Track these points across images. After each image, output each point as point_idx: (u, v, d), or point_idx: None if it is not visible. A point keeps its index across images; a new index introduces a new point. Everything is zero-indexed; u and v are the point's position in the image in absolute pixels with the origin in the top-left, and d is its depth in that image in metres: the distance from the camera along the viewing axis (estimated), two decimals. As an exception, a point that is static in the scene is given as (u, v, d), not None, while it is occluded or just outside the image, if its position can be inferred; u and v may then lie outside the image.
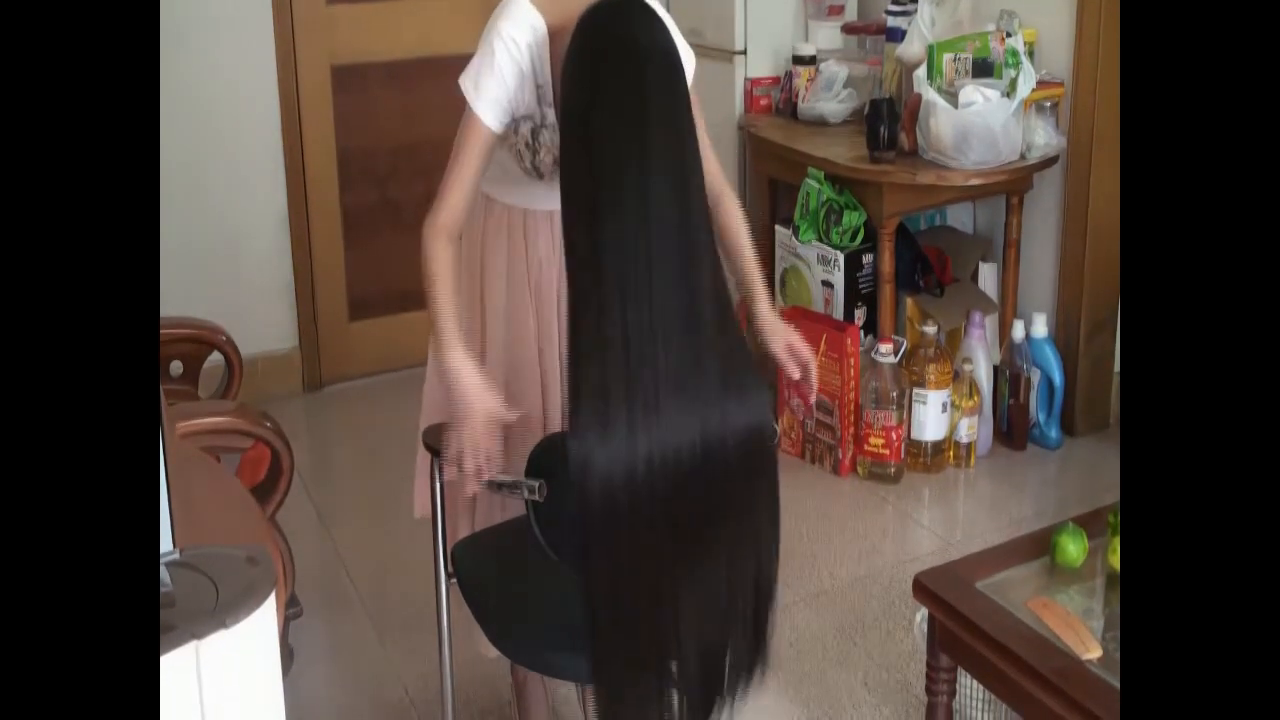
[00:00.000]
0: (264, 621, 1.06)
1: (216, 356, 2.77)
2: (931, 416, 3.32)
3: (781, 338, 2.06)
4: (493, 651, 2.03)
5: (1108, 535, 2.12)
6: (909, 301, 3.54)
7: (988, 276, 3.65)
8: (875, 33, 3.82)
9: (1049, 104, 3.34)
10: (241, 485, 1.95)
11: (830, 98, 3.74)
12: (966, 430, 3.37)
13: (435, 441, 1.94)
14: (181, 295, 3.33)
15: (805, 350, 2.04)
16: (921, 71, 3.25)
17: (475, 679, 2.52)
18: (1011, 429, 3.48)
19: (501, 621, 1.92)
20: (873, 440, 3.31)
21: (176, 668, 0.99)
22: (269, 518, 2.24)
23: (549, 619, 1.87)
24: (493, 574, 2.00)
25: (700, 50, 2.12)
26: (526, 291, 2.13)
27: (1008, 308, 3.57)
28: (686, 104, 1.68)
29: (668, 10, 2.19)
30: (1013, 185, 3.43)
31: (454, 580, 2.01)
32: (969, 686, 2.26)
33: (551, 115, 1.96)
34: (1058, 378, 3.43)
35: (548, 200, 1.99)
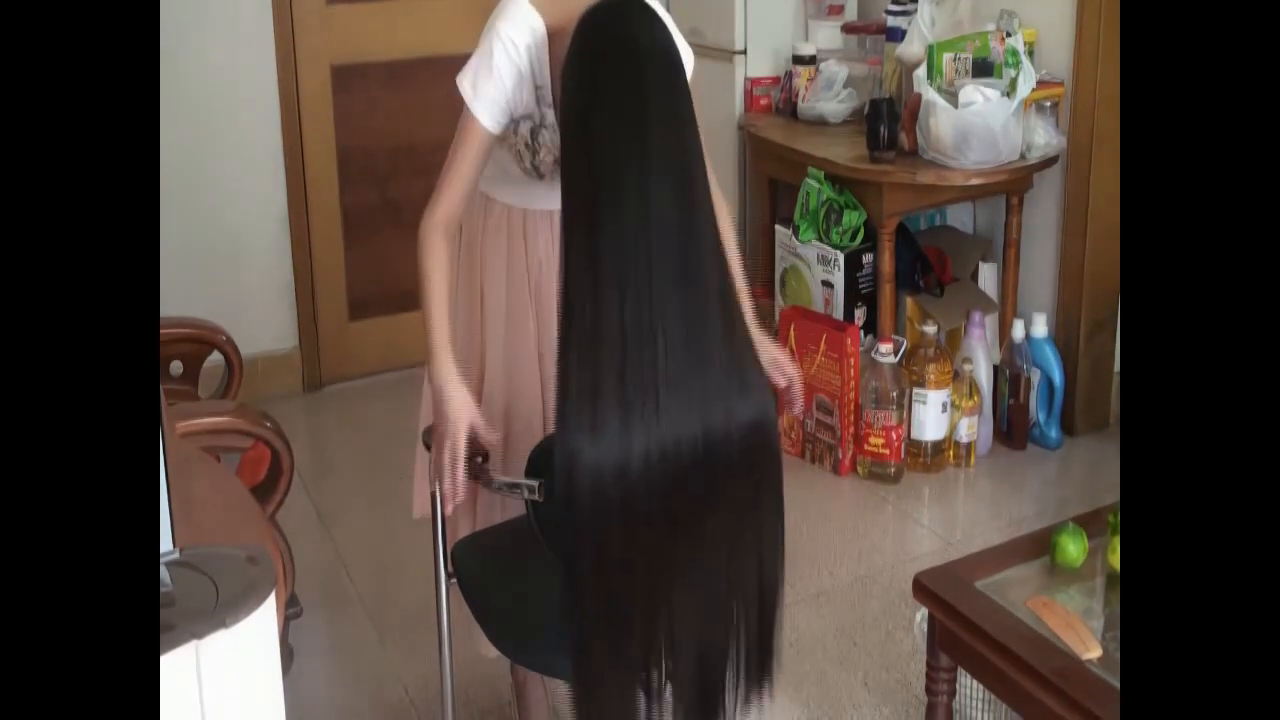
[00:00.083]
0: (264, 621, 1.06)
1: (216, 356, 2.77)
2: (931, 416, 3.32)
3: (766, 352, 2.04)
4: (493, 651, 2.03)
5: (1108, 535, 2.12)
6: (909, 301, 3.54)
7: (988, 276, 3.65)
8: (875, 32, 3.82)
9: (1049, 104, 3.34)
10: (241, 485, 1.95)
11: (830, 97, 3.74)
12: (966, 430, 3.37)
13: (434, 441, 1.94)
14: (181, 295, 3.33)
15: (790, 366, 2.03)
16: (921, 71, 3.25)
17: (475, 679, 2.52)
18: (1011, 429, 3.48)
19: (501, 621, 1.92)
20: (873, 440, 3.31)
21: (176, 668, 0.99)
22: (269, 518, 2.24)
23: (549, 619, 1.87)
24: (493, 574, 2.00)
25: (700, 50, 2.12)
26: (526, 292, 2.13)
27: (1008, 307, 3.57)
28: (687, 103, 1.68)
29: (668, 10, 2.19)
30: (1013, 185, 3.43)
31: (454, 580, 2.01)
32: (969, 686, 2.26)
33: (551, 115, 1.96)
34: (1058, 378, 3.43)
35: (547, 200, 2.00)
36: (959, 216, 3.80)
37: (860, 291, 3.51)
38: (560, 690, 2.40)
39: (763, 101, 3.95)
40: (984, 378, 3.43)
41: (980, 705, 2.30)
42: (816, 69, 3.81)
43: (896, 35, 3.55)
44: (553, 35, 1.89)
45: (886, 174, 3.31)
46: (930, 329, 3.33)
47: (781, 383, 2.02)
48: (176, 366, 2.76)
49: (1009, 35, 3.24)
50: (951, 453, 3.40)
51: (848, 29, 3.96)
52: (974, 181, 3.26)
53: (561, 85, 1.72)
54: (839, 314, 3.49)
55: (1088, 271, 3.43)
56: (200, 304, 3.22)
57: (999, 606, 2.00)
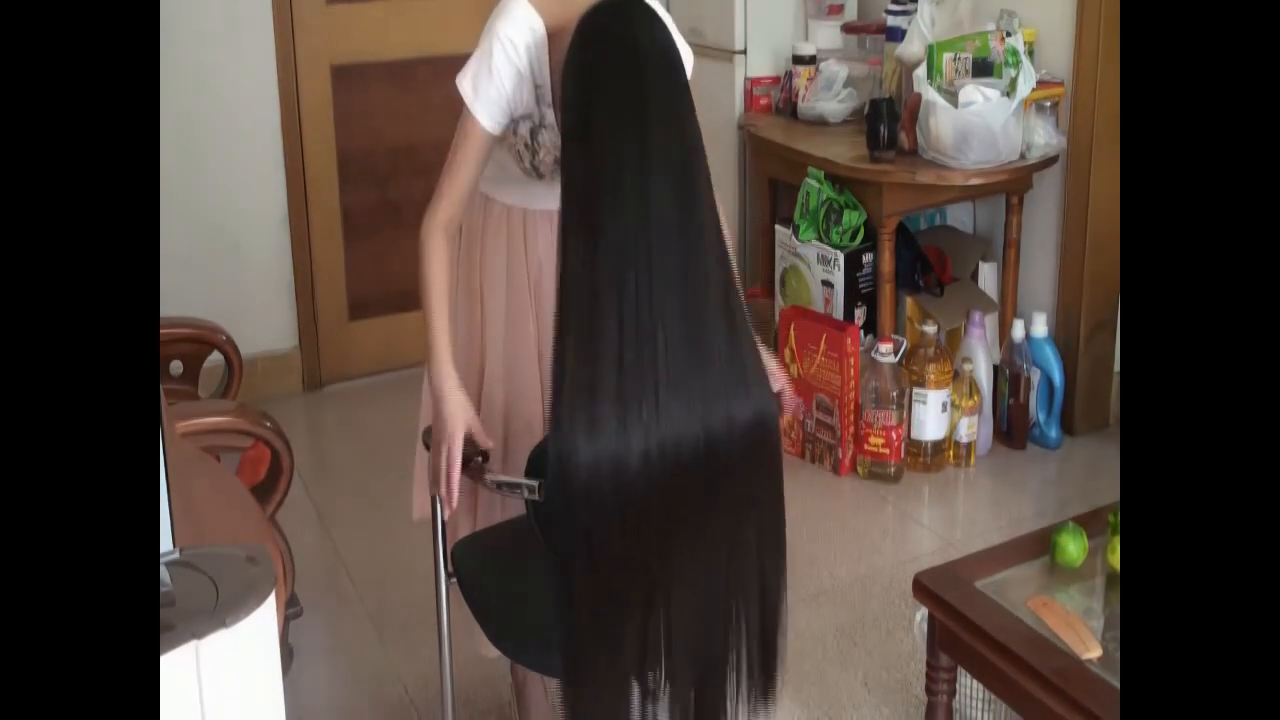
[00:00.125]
0: (264, 621, 1.06)
1: (216, 356, 2.77)
2: (931, 416, 3.32)
3: None
4: (493, 651, 2.03)
5: (1108, 535, 2.12)
6: (909, 301, 3.54)
7: (988, 276, 3.65)
8: (875, 32, 3.82)
9: (1049, 104, 3.34)
10: (241, 485, 1.95)
11: (830, 97, 3.74)
12: (966, 430, 3.37)
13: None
14: (181, 295, 3.33)
15: (781, 375, 2.03)
16: (921, 71, 3.25)
17: (475, 679, 2.52)
18: (1011, 428, 3.48)
19: (501, 621, 1.92)
20: (873, 440, 3.31)
21: (176, 667, 0.99)
22: (269, 517, 2.24)
23: (549, 619, 1.86)
24: (493, 574, 2.00)
25: (700, 50, 2.12)
26: (526, 292, 2.13)
27: (1008, 307, 3.57)
28: (688, 103, 1.68)
29: (668, 10, 2.19)
30: (1013, 185, 3.43)
31: (454, 580, 2.01)
32: (969, 686, 2.26)
33: (551, 115, 1.96)
34: (1058, 377, 3.43)
35: (547, 200, 1.99)
36: (959, 216, 3.80)
37: (860, 291, 3.51)
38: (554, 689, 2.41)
39: (763, 101, 3.95)
40: (984, 377, 3.43)
41: (980, 705, 2.30)
42: (816, 69, 3.82)
43: (896, 35, 3.55)
44: (552, 35, 1.89)
45: (886, 174, 3.31)
46: (930, 329, 3.33)
47: (774, 388, 2.02)
48: (176, 366, 2.76)
49: (1009, 35, 3.24)
50: (951, 452, 3.40)
51: (848, 29, 3.97)
52: (974, 181, 3.26)
53: (562, 85, 1.72)
54: (839, 314, 3.49)
55: (1088, 271, 3.43)
56: (200, 304, 3.22)
57: (999, 606, 2.00)
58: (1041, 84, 3.28)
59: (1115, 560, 2.07)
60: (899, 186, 3.32)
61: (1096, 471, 3.37)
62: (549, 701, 2.35)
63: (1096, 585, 2.13)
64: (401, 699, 2.54)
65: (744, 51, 3.95)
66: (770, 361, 2.00)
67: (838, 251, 3.46)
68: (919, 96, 3.26)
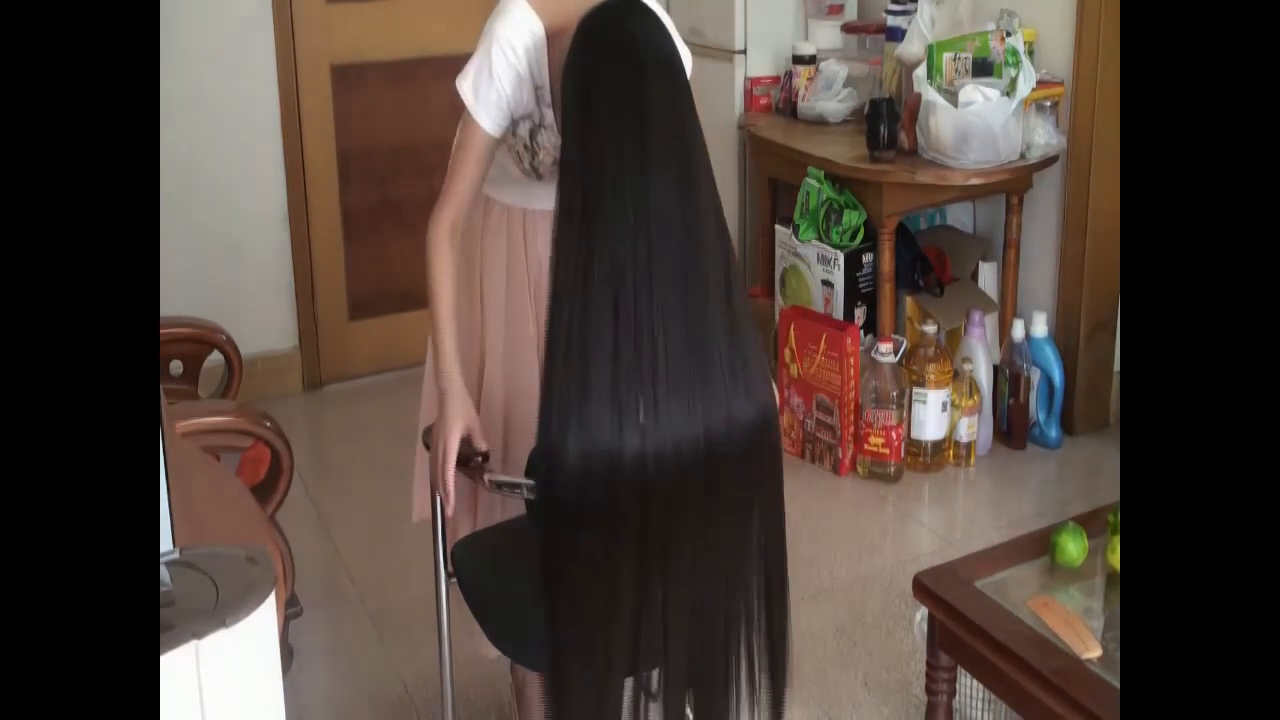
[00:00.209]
0: (264, 621, 1.06)
1: (216, 356, 2.77)
2: (931, 416, 3.32)
3: None
4: (493, 652, 2.03)
5: (1108, 535, 2.12)
6: (909, 301, 3.54)
7: (988, 276, 3.65)
8: (875, 32, 3.82)
9: (1049, 103, 3.34)
10: (241, 485, 1.95)
11: (830, 97, 3.74)
12: (966, 429, 3.37)
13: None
14: (181, 295, 3.33)
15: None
16: (921, 71, 3.25)
17: (475, 679, 2.52)
18: (1011, 428, 3.48)
19: (501, 621, 1.92)
20: (873, 439, 3.31)
21: (176, 667, 1.00)
22: (269, 517, 2.24)
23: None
24: (493, 574, 2.00)
25: (700, 50, 2.12)
26: (526, 292, 2.13)
27: (1008, 307, 3.57)
28: (688, 103, 1.68)
29: (667, 10, 2.19)
30: (1012, 185, 3.43)
31: (454, 580, 2.01)
32: (969, 686, 2.26)
33: (550, 116, 1.96)
34: (1058, 377, 3.43)
35: (547, 200, 1.99)
36: (959, 216, 3.80)
37: (860, 291, 3.51)
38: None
39: (763, 101, 3.95)
40: (984, 377, 3.43)
41: (980, 705, 2.29)
42: (816, 69, 3.82)
43: (896, 35, 3.55)
44: (551, 36, 1.89)
45: (886, 174, 3.31)
46: (930, 329, 3.33)
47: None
48: (176, 366, 2.76)
49: (1009, 35, 3.24)
50: (951, 452, 3.40)
51: (848, 29, 3.97)
52: (974, 181, 3.26)
53: (562, 86, 1.72)
54: (839, 313, 3.49)
55: (1088, 271, 3.43)
56: (200, 304, 3.22)
57: (999, 606, 2.00)
58: (1041, 84, 3.27)
59: (1115, 560, 2.07)
60: (899, 186, 3.32)
61: (1096, 471, 3.37)
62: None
63: (1096, 585, 2.13)
64: (401, 699, 2.54)
65: (744, 51, 3.95)
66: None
67: (838, 251, 3.46)
68: (919, 96, 3.26)
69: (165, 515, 1.09)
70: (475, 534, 2.15)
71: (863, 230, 3.44)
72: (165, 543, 1.10)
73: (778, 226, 3.71)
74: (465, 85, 1.93)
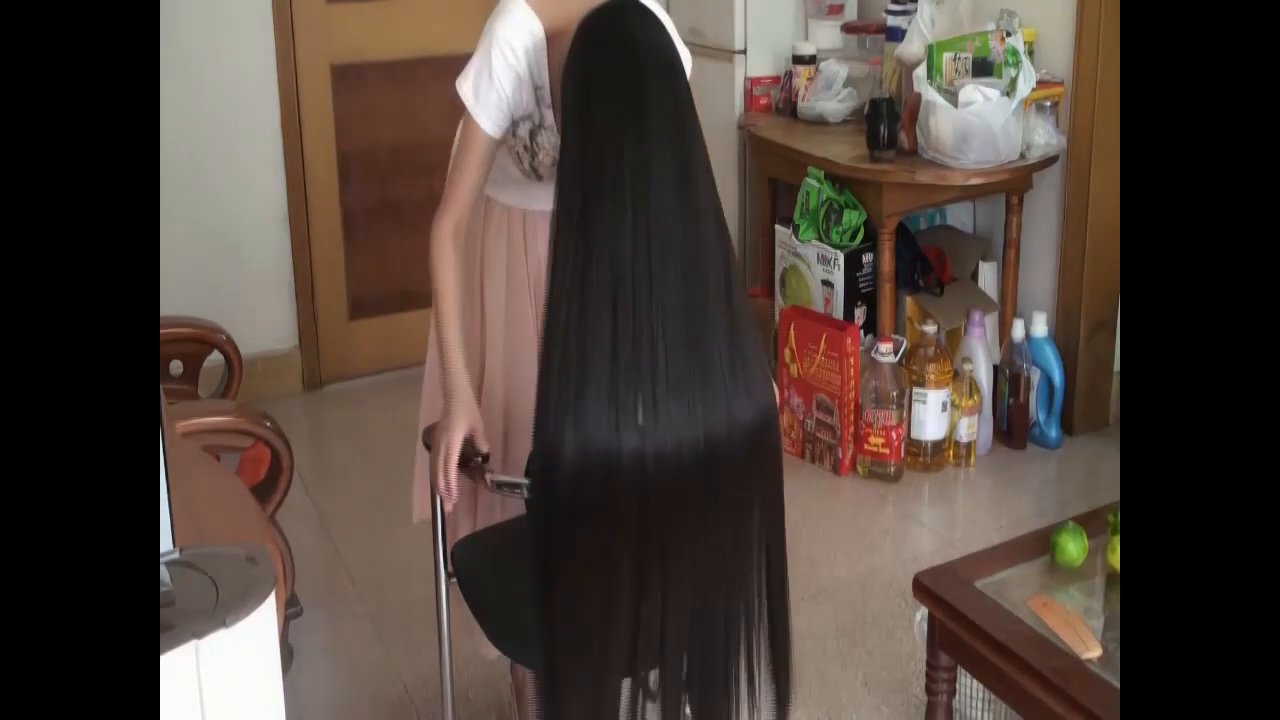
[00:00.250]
0: (264, 621, 1.06)
1: (216, 356, 2.77)
2: (931, 416, 3.32)
3: None
4: (493, 652, 2.03)
5: (1108, 534, 2.12)
6: (909, 301, 3.54)
7: (988, 276, 3.65)
8: (875, 32, 3.82)
9: (1049, 103, 3.34)
10: (241, 485, 1.95)
11: (830, 97, 3.74)
12: (966, 429, 3.37)
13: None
14: (181, 295, 3.33)
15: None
16: (921, 71, 3.25)
17: (475, 679, 2.52)
18: (1011, 428, 3.48)
19: (501, 621, 1.92)
20: (873, 439, 3.31)
21: (176, 667, 1.00)
22: (269, 517, 2.24)
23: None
24: (493, 574, 2.00)
25: (700, 50, 2.12)
26: (526, 292, 2.13)
27: (1007, 307, 3.57)
28: (688, 103, 1.68)
29: (667, 10, 2.19)
30: (1012, 185, 3.43)
31: (454, 580, 2.01)
32: (969, 686, 2.26)
33: (550, 116, 1.96)
34: (1058, 377, 3.43)
35: (547, 201, 1.99)
36: (959, 216, 3.80)
37: (860, 291, 3.51)
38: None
39: (763, 101, 3.95)
40: (984, 377, 3.43)
41: (980, 705, 2.29)
42: (816, 68, 3.82)
43: (896, 35, 3.55)
44: (551, 37, 1.89)
45: (886, 174, 3.31)
46: (930, 328, 3.33)
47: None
48: (176, 366, 2.76)
49: (1009, 35, 3.24)
50: (951, 452, 3.40)
51: (848, 29, 3.96)
52: (974, 181, 3.26)
53: (562, 87, 1.72)
54: (839, 313, 3.49)
55: (1088, 271, 3.43)
56: (200, 304, 3.22)
57: (999, 606, 2.00)
58: (1041, 84, 3.27)
59: (1115, 560, 2.07)
60: (899, 186, 3.32)
61: (1096, 471, 3.37)
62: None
63: (1096, 585, 2.13)
64: (401, 699, 2.54)
65: (744, 51, 3.94)
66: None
67: (838, 251, 3.46)
68: (919, 96, 3.26)
69: (165, 515, 1.09)
70: (475, 534, 2.15)
71: (863, 230, 3.44)
72: (165, 543, 1.10)
73: (778, 226, 3.71)
74: (465, 86, 1.93)
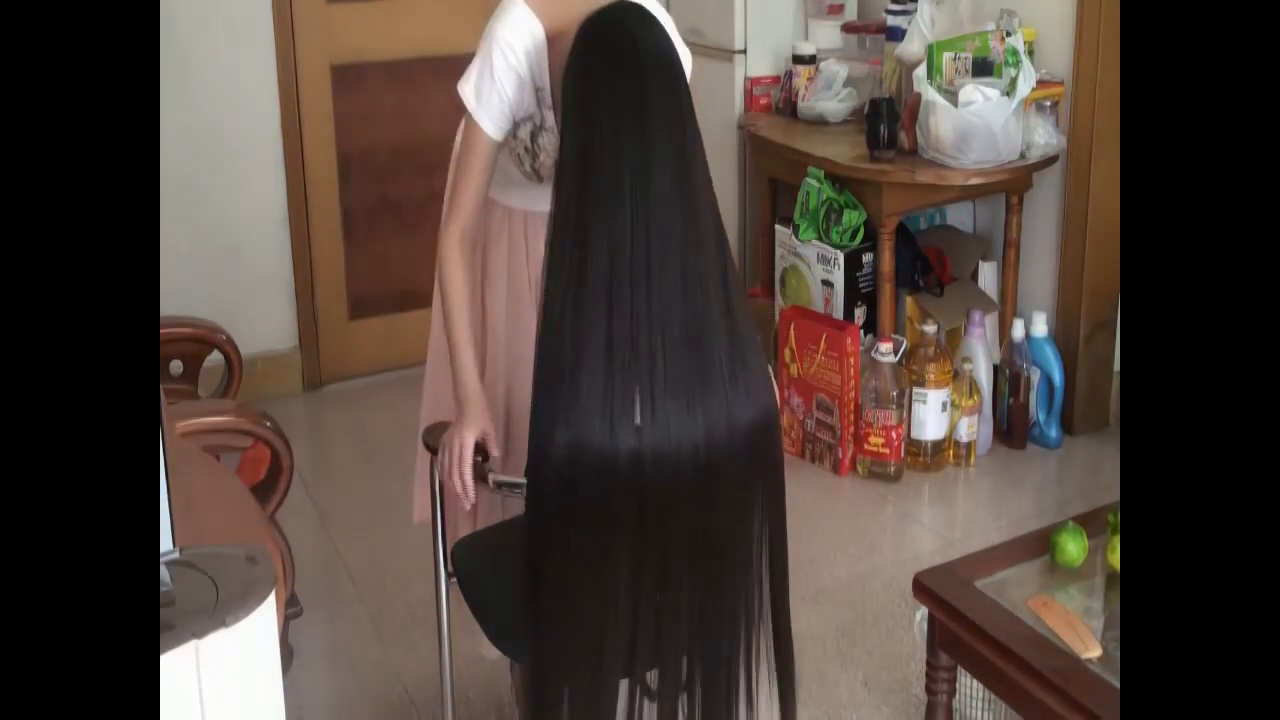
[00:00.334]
0: (264, 621, 1.06)
1: (216, 356, 2.77)
2: (931, 415, 3.32)
3: None
4: (493, 652, 2.03)
5: (1108, 534, 2.12)
6: (909, 301, 3.54)
7: (988, 275, 3.65)
8: (875, 32, 3.82)
9: (1049, 103, 3.34)
10: (241, 484, 1.95)
11: (830, 97, 3.74)
12: (966, 429, 3.37)
13: (435, 441, 1.95)
14: (181, 295, 3.33)
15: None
16: (921, 71, 3.25)
17: (475, 679, 2.52)
18: (1011, 428, 3.48)
19: (501, 621, 1.92)
20: (873, 439, 3.31)
21: (176, 667, 1.00)
22: (269, 517, 2.24)
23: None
24: (493, 574, 2.00)
25: (700, 50, 2.12)
26: (528, 293, 2.13)
27: (1008, 307, 3.57)
28: (688, 105, 1.68)
29: (667, 10, 2.19)
30: (1012, 184, 3.43)
31: (454, 580, 2.01)
32: (969, 686, 2.26)
33: (551, 118, 1.96)
34: (1058, 377, 3.43)
35: (548, 202, 1.99)
36: (959, 216, 3.80)
37: (860, 291, 3.51)
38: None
39: (763, 101, 3.95)
40: (984, 377, 3.43)
41: (980, 705, 2.30)
42: (816, 68, 3.82)
43: (896, 35, 3.55)
44: (552, 39, 1.90)
45: (886, 173, 3.31)
46: (930, 328, 3.33)
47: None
48: (176, 366, 2.76)
49: (1009, 34, 3.24)
50: (951, 452, 3.40)
51: (848, 28, 3.96)
52: (974, 181, 3.26)
53: (562, 89, 1.72)
54: (839, 313, 3.49)
55: (1088, 271, 3.43)
56: (200, 304, 3.22)
57: (999, 606, 2.00)
58: (1041, 84, 3.27)
59: (1115, 560, 2.07)
60: (899, 186, 3.32)
61: (1096, 471, 3.37)
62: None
63: (1096, 585, 2.13)
64: (401, 699, 2.54)
65: (744, 51, 3.94)
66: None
67: (838, 251, 3.46)
68: (919, 96, 3.26)
69: (165, 515, 1.09)
70: (475, 534, 2.15)
71: (863, 230, 3.44)
72: (165, 543, 1.10)
73: (778, 226, 3.71)
74: (467, 89, 1.93)
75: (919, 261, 3.56)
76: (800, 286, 3.61)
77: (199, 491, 1.68)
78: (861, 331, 3.43)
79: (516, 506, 1.95)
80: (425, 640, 2.53)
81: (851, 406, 3.32)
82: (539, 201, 2.06)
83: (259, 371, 3.71)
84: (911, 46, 3.42)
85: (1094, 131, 3.33)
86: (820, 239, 3.48)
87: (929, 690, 2.15)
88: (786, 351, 3.45)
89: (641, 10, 1.74)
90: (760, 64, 3.96)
